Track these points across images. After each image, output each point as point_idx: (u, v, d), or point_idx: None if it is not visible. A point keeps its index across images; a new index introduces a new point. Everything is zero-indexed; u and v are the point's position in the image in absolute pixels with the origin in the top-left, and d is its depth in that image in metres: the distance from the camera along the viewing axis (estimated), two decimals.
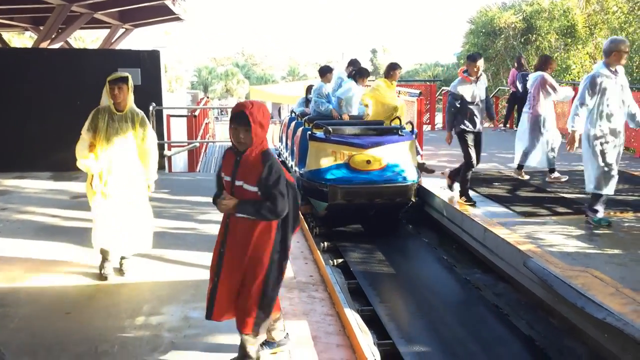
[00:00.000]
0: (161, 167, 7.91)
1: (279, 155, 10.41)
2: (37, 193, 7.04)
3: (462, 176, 6.56)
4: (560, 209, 6.18)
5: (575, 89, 8.44)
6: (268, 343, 3.17)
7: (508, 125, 13.27)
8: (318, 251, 5.21)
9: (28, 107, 8.18)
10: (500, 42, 20.16)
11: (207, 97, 26.19)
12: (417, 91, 10.96)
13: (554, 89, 7.30)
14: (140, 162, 4.32)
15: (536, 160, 7.52)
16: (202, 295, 3.28)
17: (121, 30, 15.17)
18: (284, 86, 31.66)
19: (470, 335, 4.40)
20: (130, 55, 8.55)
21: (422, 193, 7.28)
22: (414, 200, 6.84)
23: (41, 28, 12.54)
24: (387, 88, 7.96)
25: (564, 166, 8.14)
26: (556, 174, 7.53)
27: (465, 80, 6.40)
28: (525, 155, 7.55)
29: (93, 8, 11.73)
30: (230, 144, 2.87)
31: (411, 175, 6.76)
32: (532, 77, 7.55)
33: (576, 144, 5.44)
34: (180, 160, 11.47)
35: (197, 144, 10.58)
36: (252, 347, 2.90)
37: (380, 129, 7.15)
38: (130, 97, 4.20)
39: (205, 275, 3.02)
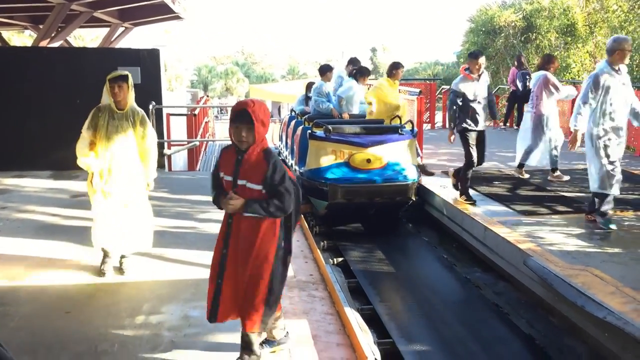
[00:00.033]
0: (161, 165, 7.91)
1: (279, 154, 10.40)
2: (37, 192, 7.04)
3: (462, 175, 6.55)
4: (561, 208, 6.18)
5: (577, 88, 8.43)
6: (268, 342, 3.17)
7: (508, 124, 13.26)
8: (318, 250, 5.21)
9: (28, 106, 8.17)
10: (500, 40, 20.15)
11: (207, 96, 26.20)
12: (417, 90, 10.96)
13: (557, 89, 7.29)
14: (140, 160, 4.32)
15: (536, 160, 7.52)
16: (202, 294, 3.28)
17: (121, 29, 15.17)
18: (283, 85, 31.59)
19: (470, 334, 4.40)
20: (130, 54, 8.54)
21: (422, 192, 7.28)
22: (414, 199, 6.84)
23: (41, 27, 12.53)
24: (390, 87, 7.95)
25: (565, 165, 8.14)
26: (558, 173, 7.53)
27: (467, 78, 6.36)
28: (528, 154, 7.55)
29: (93, 7, 11.73)
30: (228, 143, 2.86)
31: (411, 174, 6.76)
32: (535, 77, 7.52)
33: (578, 143, 5.43)
34: (180, 159, 11.46)
35: (197, 143, 10.57)
36: (257, 346, 2.93)
37: (381, 128, 7.14)
38: (131, 96, 4.20)
39: (206, 274, 3.01)
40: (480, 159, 6.55)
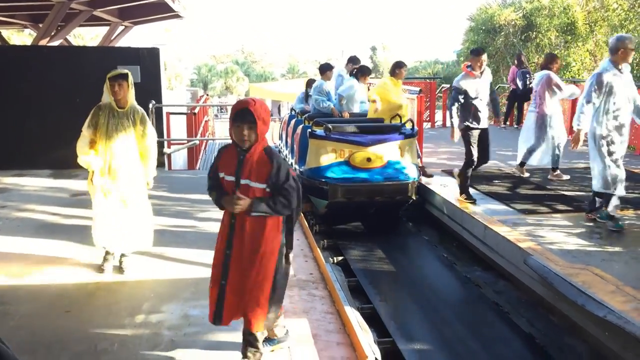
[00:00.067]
0: (161, 164, 7.90)
1: (279, 152, 10.40)
2: (37, 191, 7.03)
3: (462, 174, 6.53)
4: (561, 207, 6.17)
5: (578, 86, 8.42)
6: (268, 340, 3.16)
7: (508, 123, 13.25)
8: (318, 249, 5.20)
9: (27, 105, 8.16)
10: (500, 39, 20.13)
11: (207, 95, 26.17)
12: (417, 89, 10.95)
13: (560, 88, 7.28)
14: (140, 159, 4.32)
15: (537, 159, 7.51)
16: (202, 293, 3.28)
17: (120, 28, 15.15)
18: (283, 84, 31.58)
19: (471, 333, 4.40)
20: (129, 52, 8.53)
21: (423, 191, 7.27)
22: (414, 198, 6.83)
23: (40, 25, 12.50)
24: (394, 86, 7.91)
25: (565, 164, 8.13)
26: (558, 172, 7.53)
27: (469, 75, 6.31)
28: (530, 153, 7.53)
29: (92, 5, 11.71)
30: (228, 141, 2.86)
31: (411, 173, 6.75)
32: (538, 76, 7.50)
33: (580, 142, 5.42)
34: (180, 158, 11.46)
35: (197, 142, 10.56)
36: (261, 343, 2.95)
37: (381, 127, 7.13)
38: (131, 94, 4.20)
39: (206, 273, 3.01)
40: (485, 158, 6.51)
